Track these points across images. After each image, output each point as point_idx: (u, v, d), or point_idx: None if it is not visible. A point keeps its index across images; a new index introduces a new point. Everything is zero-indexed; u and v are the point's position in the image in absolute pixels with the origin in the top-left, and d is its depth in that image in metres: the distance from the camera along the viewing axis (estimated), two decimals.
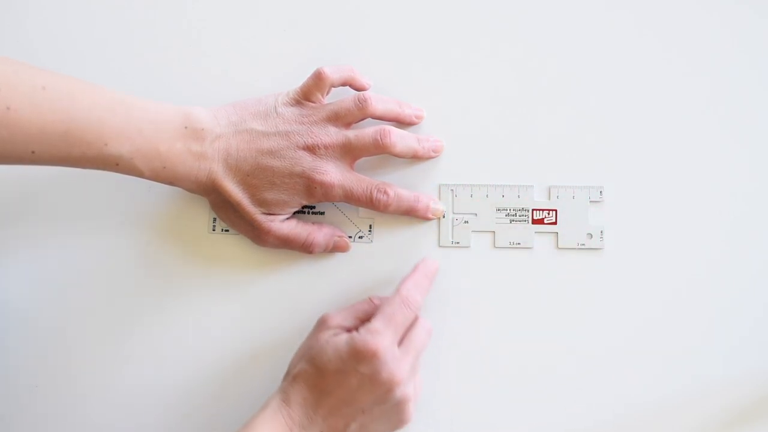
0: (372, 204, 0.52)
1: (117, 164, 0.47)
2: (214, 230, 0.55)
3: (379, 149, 0.51)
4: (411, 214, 0.53)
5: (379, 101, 0.52)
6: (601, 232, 0.54)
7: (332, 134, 0.51)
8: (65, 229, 0.55)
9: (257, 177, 0.50)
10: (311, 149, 0.50)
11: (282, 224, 0.52)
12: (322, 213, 0.55)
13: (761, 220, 0.54)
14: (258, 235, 0.52)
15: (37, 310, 0.55)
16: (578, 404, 0.53)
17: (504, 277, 0.54)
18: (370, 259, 0.55)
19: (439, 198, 0.55)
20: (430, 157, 0.55)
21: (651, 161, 0.55)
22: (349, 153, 0.51)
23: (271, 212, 0.51)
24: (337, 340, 0.47)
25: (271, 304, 0.55)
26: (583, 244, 0.54)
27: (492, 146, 0.55)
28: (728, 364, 0.53)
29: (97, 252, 0.55)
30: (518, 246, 0.54)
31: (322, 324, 0.50)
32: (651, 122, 0.55)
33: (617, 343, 0.53)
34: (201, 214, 0.56)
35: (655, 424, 0.53)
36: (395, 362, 0.47)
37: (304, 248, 0.53)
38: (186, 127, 0.48)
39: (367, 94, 0.52)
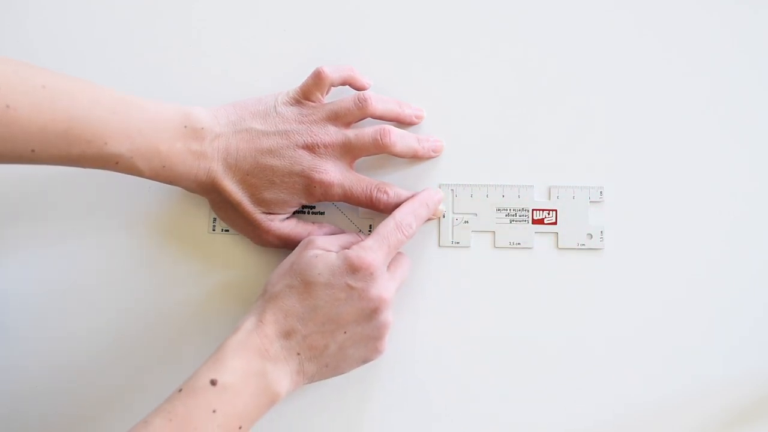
0: (372, 203, 0.52)
1: (117, 163, 0.47)
2: (214, 230, 0.55)
3: (378, 149, 0.51)
4: None
5: (379, 101, 0.52)
6: (601, 232, 0.54)
7: (332, 133, 0.51)
8: (65, 228, 0.55)
9: (257, 176, 0.50)
10: (311, 148, 0.50)
11: (282, 224, 0.52)
12: (322, 213, 0.55)
13: (761, 220, 0.54)
14: (258, 234, 0.52)
15: (37, 309, 0.55)
16: (578, 404, 0.53)
17: (504, 277, 0.54)
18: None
19: None
20: (430, 157, 0.55)
21: (651, 161, 0.55)
22: (349, 152, 0.51)
23: (270, 211, 0.51)
24: (327, 256, 0.47)
25: None
26: (583, 244, 0.54)
27: (492, 146, 0.55)
28: (728, 364, 0.53)
29: (97, 252, 0.55)
30: (518, 246, 0.54)
31: (307, 245, 0.49)
32: (651, 122, 0.55)
33: (617, 343, 0.53)
34: (201, 213, 0.56)
35: (655, 424, 0.53)
36: (385, 281, 0.47)
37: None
38: (186, 127, 0.48)
39: (367, 93, 0.52)
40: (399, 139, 0.52)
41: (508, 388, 0.53)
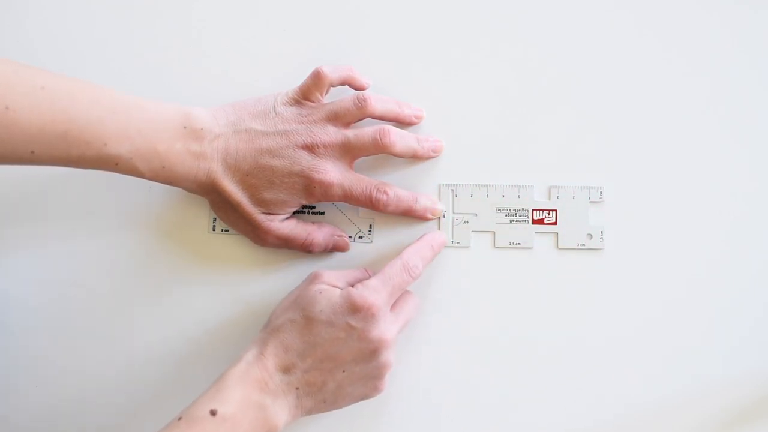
0: (371, 204, 0.52)
1: (116, 164, 0.47)
2: (214, 230, 0.55)
3: (378, 149, 0.51)
4: (410, 214, 0.53)
5: (378, 101, 0.52)
6: (601, 232, 0.54)
7: (331, 133, 0.51)
8: (66, 229, 0.55)
9: (256, 176, 0.50)
10: (310, 148, 0.50)
11: (282, 224, 0.52)
12: (322, 213, 0.55)
13: (761, 221, 0.54)
14: (258, 234, 0.52)
15: (38, 309, 0.55)
16: (578, 404, 0.53)
17: (504, 277, 0.54)
18: (370, 259, 0.55)
19: (439, 198, 0.55)
20: (429, 157, 0.55)
21: (651, 162, 0.55)
22: (349, 152, 0.51)
23: (270, 212, 0.51)
24: (331, 292, 0.48)
25: (271, 303, 0.54)
26: (583, 245, 0.54)
27: (492, 146, 0.55)
28: (728, 364, 0.53)
29: (97, 252, 0.55)
30: (518, 246, 0.54)
31: (314, 278, 0.50)
32: (651, 122, 0.55)
33: (617, 343, 0.53)
34: (201, 214, 0.56)
35: (655, 424, 0.53)
36: (387, 323, 0.47)
37: (304, 248, 0.53)
38: (185, 127, 0.48)
39: (366, 93, 0.52)
40: (399, 139, 0.52)
41: (508, 388, 0.53)
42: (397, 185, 0.53)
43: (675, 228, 0.54)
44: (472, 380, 0.54)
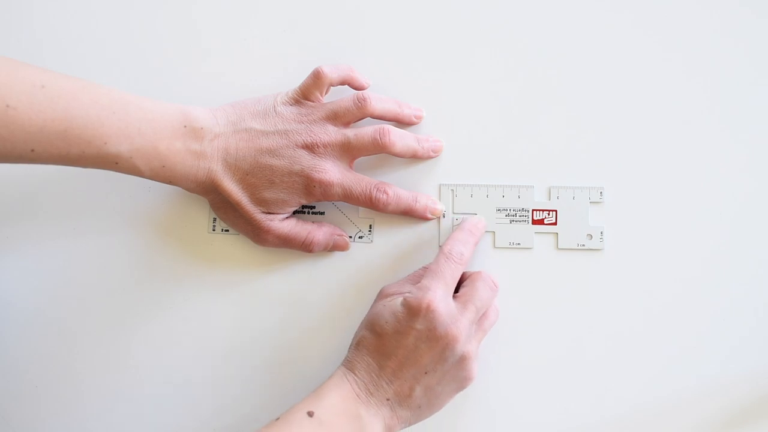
0: (371, 203, 0.52)
1: (116, 163, 0.47)
2: (213, 230, 0.55)
3: (378, 148, 0.51)
4: (410, 214, 0.53)
5: (378, 101, 0.52)
6: (601, 232, 0.54)
7: (331, 133, 0.51)
8: (66, 229, 0.55)
9: (256, 176, 0.50)
10: (310, 148, 0.50)
11: (282, 223, 0.52)
12: (322, 213, 0.55)
13: (761, 221, 0.54)
14: (258, 234, 0.52)
15: (38, 309, 0.55)
16: (578, 404, 0.53)
17: (504, 277, 0.54)
18: (370, 259, 0.55)
19: (439, 198, 0.55)
20: (429, 157, 0.55)
21: (651, 162, 0.55)
22: (348, 152, 0.51)
23: (270, 211, 0.51)
24: (392, 302, 0.48)
25: (271, 303, 0.55)
26: (583, 245, 0.54)
27: (492, 146, 0.55)
28: (728, 364, 0.53)
29: (97, 252, 0.55)
30: (518, 246, 0.54)
31: (380, 294, 0.51)
32: (651, 123, 0.55)
33: (617, 343, 0.53)
34: (201, 214, 0.56)
35: (655, 424, 0.53)
36: (451, 316, 0.47)
37: (304, 247, 0.53)
38: (185, 126, 0.48)
39: (366, 93, 0.52)
40: (398, 139, 0.52)
41: (507, 387, 0.53)
42: (397, 185, 0.53)
43: (675, 228, 0.54)
44: None
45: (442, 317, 0.47)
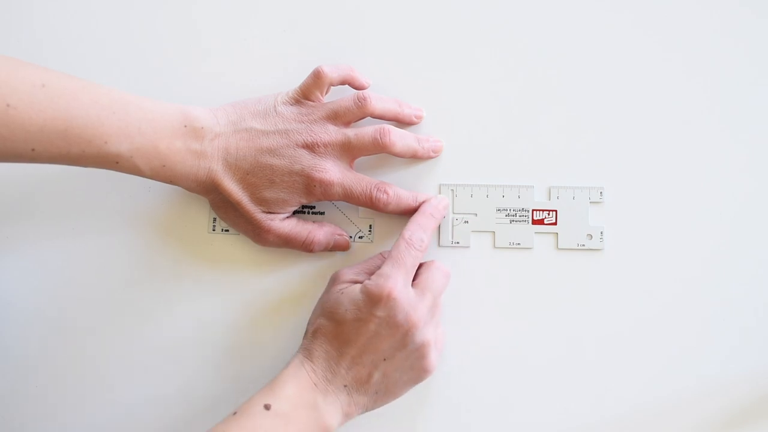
0: (371, 203, 0.52)
1: (117, 162, 0.47)
2: (214, 230, 0.55)
3: (378, 148, 0.51)
4: (410, 213, 0.53)
5: (378, 100, 0.52)
6: (601, 233, 0.54)
7: (332, 132, 0.51)
8: (66, 229, 0.55)
9: (257, 175, 0.50)
10: (311, 147, 0.50)
11: (282, 223, 0.52)
12: (322, 213, 0.55)
13: (761, 221, 0.54)
14: (258, 234, 0.52)
15: (38, 310, 0.55)
16: (578, 404, 0.53)
17: (504, 277, 0.54)
18: None
19: None
20: (429, 158, 0.55)
21: (651, 162, 0.55)
22: (349, 152, 0.51)
23: (271, 211, 0.51)
24: (350, 290, 0.48)
25: (271, 303, 0.55)
26: (583, 245, 0.54)
27: (492, 146, 0.55)
28: (728, 364, 0.53)
29: (97, 252, 0.55)
30: (518, 246, 0.54)
31: (334, 280, 0.51)
32: (651, 123, 0.55)
33: (617, 343, 0.53)
34: (201, 214, 0.56)
35: (655, 424, 0.53)
36: (410, 303, 0.47)
37: (305, 247, 0.53)
38: (185, 126, 0.48)
39: (366, 92, 0.52)
40: (399, 138, 0.52)
41: (507, 387, 0.53)
42: (397, 185, 0.53)
43: (675, 228, 0.54)
44: (471, 380, 0.53)
45: (403, 304, 0.47)
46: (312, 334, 0.49)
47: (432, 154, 0.55)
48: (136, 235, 0.55)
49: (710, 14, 0.56)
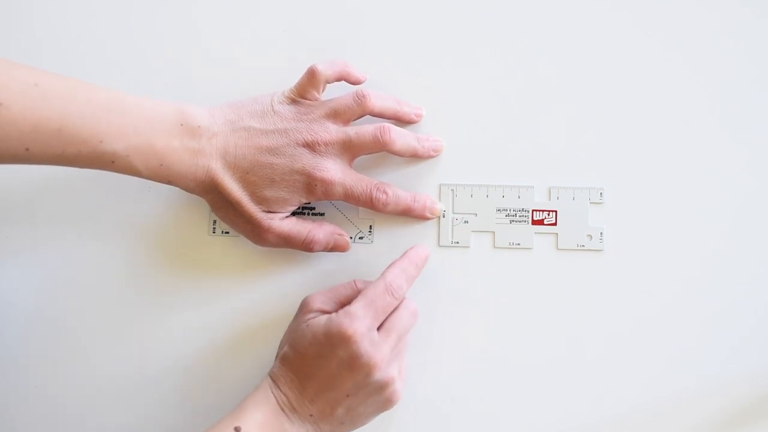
0: (371, 203, 0.52)
1: (113, 162, 0.46)
2: (214, 232, 0.55)
3: (378, 146, 0.51)
4: (408, 214, 0.53)
5: (378, 97, 0.52)
6: (601, 233, 0.54)
7: (332, 131, 0.51)
8: (65, 231, 0.55)
9: (256, 174, 0.50)
10: (311, 146, 0.50)
11: (282, 222, 0.52)
12: (322, 214, 0.55)
13: (761, 221, 0.54)
14: (258, 233, 0.52)
15: (38, 311, 0.55)
16: (578, 404, 0.53)
17: (504, 277, 0.54)
18: (370, 260, 0.55)
19: (439, 198, 0.55)
20: (429, 157, 0.55)
21: (651, 163, 0.55)
22: (349, 150, 0.51)
23: (270, 210, 0.51)
24: (315, 324, 0.47)
25: (271, 305, 0.55)
26: (583, 246, 0.54)
27: (492, 146, 0.55)
28: (728, 364, 0.53)
29: (97, 254, 0.55)
30: (518, 246, 0.54)
31: (303, 307, 0.50)
32: (651, 124, 0.55)
33: (617, 343, 0.53)
34: (201, 216, 0.55)
35: (655, 424, 0.53)
36: (373, 346, 0.46)
37: (305, 246, 0.52)
38: (182, 125, 0.48)
39: (366, 90, 0.52)
40: (399, 137, 0.52)
41: (507, 388, 0.53)
42: (397, 185, 0.53)
43: (675, 229, 0.54)
44: (471, 380, 0.53)
45: (366, 347, 0.46)
46: (280, 360, 0.48)
47: (432, 153, 0.54)
48: (136, 236, 0.55)
49: (710, 14, 0.56)
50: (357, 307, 0.47)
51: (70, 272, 0.55)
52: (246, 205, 0.50)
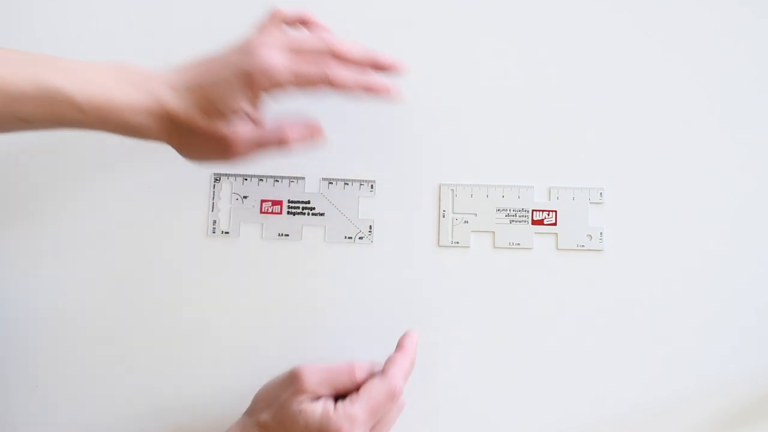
0: (328, 81, 0.47)
1: (54, 98, 0.44)
2: (214, 232, 0.55)
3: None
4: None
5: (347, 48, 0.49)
6: (601, 233, 0.54)
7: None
8: (65, 231, 0.55)
9: (200, 83, 0.47)
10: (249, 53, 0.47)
11: (246, 127, 0.47)
12: (322, 215, 0.55)
13: (761, 221, 0.54)
14: (229, 147, 0.47)
15: (37, 311, 0.55)
16: (578, 404, 0.53)
17: (504, 277, 0.54)
18: (370, 260, 0.55)
19: (440, 198, 0.55)
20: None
21: (651, 163, 0.55)
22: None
23: (226, 118, 0.47)
24: (311, 412, 0.44)
25: (270, 305, 0.55)
26: (583, 246, 0.54)
27: (492, 146, 0.55)
28: (728, 364, 0.53)
29: (96, 254, 0.55)
30: (518, 246, 0.54)
31: (295, 380, 0.46)
32: (651, 124, 0.55)
33: (617, 343, 0.53)
34: (200, 216, 0.55)
35: (655, 424, 0.53)
36: None
37: (281, 142, 0.48)
38: (121, 67, 0.47)
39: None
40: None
41: (507, 388, 0.53)
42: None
43: (674, 229, 0.54)
44: (471, 380, 0.53)
45: None
46: (257, 425, 0.46)
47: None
48: (134, 237, 0.55)
49: (710, 14, 0.56)
50: (359, 410, 0.45)
51: (69, 272, 0.55)
52: (200, 122, 0.46)
